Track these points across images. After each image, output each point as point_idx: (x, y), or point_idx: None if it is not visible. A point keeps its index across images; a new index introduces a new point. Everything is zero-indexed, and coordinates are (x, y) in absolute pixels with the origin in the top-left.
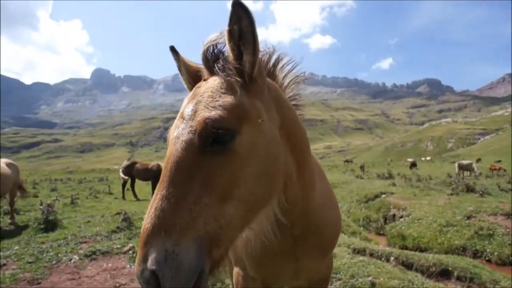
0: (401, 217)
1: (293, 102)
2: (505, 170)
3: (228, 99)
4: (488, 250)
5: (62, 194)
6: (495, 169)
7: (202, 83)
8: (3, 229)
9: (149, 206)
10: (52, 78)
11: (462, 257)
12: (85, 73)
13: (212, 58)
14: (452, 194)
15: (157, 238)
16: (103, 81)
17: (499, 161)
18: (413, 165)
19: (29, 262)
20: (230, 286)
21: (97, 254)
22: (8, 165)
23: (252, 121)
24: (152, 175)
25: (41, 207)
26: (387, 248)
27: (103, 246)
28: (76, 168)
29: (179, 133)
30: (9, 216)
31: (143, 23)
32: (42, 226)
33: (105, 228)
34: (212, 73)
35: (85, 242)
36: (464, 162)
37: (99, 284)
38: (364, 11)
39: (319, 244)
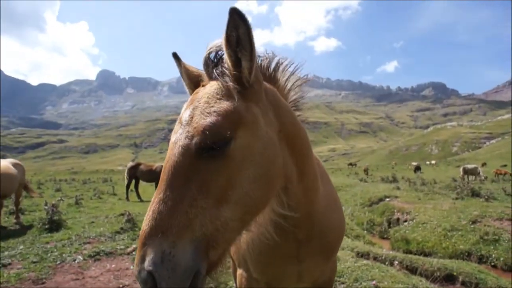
0: (405, 221)
1: (296, 105)
2: (511, 174)
3: (224, 105)
4: (493, 255)
5: (66, 194)
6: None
7: (200, 89)
8: (8, 228)
9: (148, 208)
10: (58, 79)
11: (467, 262)
12: (91, 74)
13: (211, 64)
14: (457, 199)
15: (155, 240)
16: (108, 82)
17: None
18: (417, 168)
19: (34, 262)
20: None
21: (101, 254)
22: (14, 165)
23: (247, 126)
24: (156, 177)
25: (46, 207)
26: (391, 252)
27: (107, 247)
28: (81, 168)
29: (176, 138)
30: (14, 216)
31: (149, 25)
32: (46, 226)
33: (109, 229)
34: (211, 78)
35: (89, 243)
36: (469, 166)
37: (103, 285)
38: (369, 14)
39: (323, 247)
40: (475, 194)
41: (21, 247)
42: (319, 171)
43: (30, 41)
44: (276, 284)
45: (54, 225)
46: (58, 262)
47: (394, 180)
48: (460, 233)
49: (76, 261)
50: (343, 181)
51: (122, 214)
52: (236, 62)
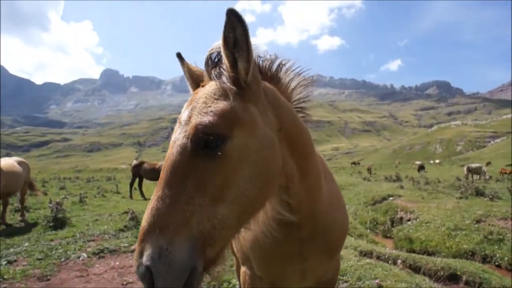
0: (409, 220)
1: (301, 105)
2: None
3: (220, 105)
4: (497, 255)
5: (70, 192)
6: (506, 173)
7: (200, 89)
8: (13, 226)
9: (147, 206)
10: (62, 78)
11: (471, 261)
12: (95, 73)
13: (211, 64)
14: (461, 198)
15: (152, 236)
16: (112, 81)
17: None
18: (421, 167)
19: (39, 259)
20: (237, 286)
21: (105, 252)
22: (19, 163)
23: (245, 126)
24: (159, 175)
25: (50, 205)
26: (394, 251)
27: (111, 245)
28: (85, 167)
29: (175, 137)
30: (19, 214)
31: (152, 25)
32: (51, 224)
33: (113, 226)
34: (210, 78)
35: (93, 240)
36: (473, 165)
37: (107, 282)
38: (373, 12)
39: (326, 245)
40: (479, 193)
41: (26, 244)
42: (323, 170)
43: (34, 41)
44: (279, 282)
45: (58, 222)
46: (63, 259)
47: (398, 179)
48: (464, 232)
49: (80, 259)
50: (347, 180)
51: (126, 212)
52: (233, 63)
